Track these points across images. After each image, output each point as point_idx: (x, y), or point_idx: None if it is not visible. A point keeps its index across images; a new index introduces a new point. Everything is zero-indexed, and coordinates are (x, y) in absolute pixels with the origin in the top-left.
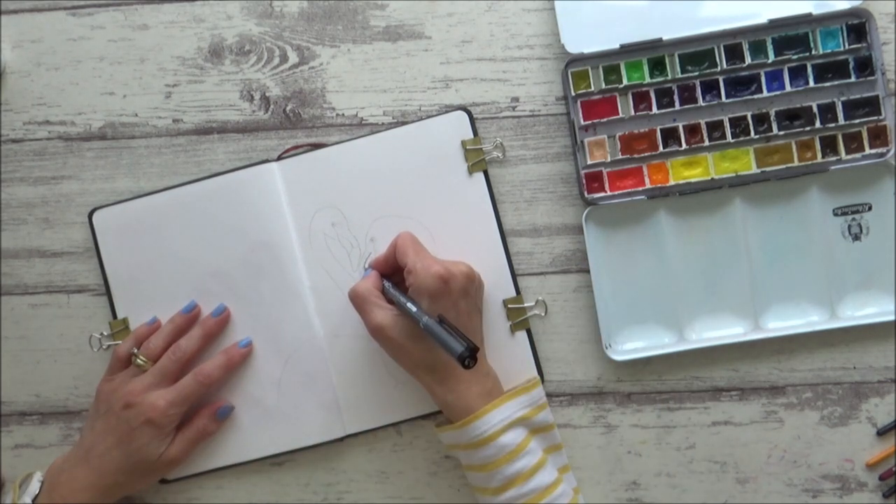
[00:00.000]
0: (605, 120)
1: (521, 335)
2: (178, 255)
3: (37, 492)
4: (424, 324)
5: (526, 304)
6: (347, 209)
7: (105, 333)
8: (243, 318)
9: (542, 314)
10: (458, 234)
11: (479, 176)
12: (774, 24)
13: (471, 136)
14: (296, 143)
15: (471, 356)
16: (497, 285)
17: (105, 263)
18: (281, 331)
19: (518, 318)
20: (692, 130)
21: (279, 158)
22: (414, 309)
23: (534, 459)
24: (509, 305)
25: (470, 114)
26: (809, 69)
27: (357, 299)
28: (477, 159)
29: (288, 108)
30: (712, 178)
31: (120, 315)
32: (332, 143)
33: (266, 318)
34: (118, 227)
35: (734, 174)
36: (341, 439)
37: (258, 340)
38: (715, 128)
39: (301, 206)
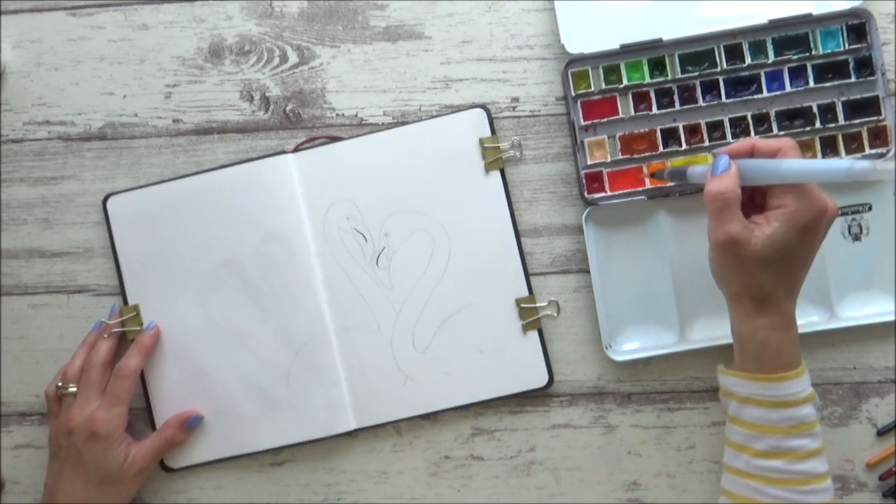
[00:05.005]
0: (605, 120)
1: (533, 335)
2: (192, 243)
3: None
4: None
5: (538, 304)
6: (363, 203)
7: (108, 322)
8: (253, 308)
9: (555, 314)
10: (473, 232)
11: (496, 174)
12: (774, 25)
13: (489, 133)
14: (296, 143)
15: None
16: (510, 284)
17: (118, 250)
18: (291, 323)
19: (530, 317)
20: (692, 130)
21: (296, 150)
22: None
23: (815, 443)
24: (522, 305)
25: (488, 112)
26: (809, 69)
27: (717, 201)
28: (494, 157)
29: (288, 109)
30: None
31: (131, 302)
32: (348, 136)
33: (277, 309)
34: (132, 214)
35: None
36: (348, 434)
37: (268, 331)
38: (715, 128)
39: (316, 198)
